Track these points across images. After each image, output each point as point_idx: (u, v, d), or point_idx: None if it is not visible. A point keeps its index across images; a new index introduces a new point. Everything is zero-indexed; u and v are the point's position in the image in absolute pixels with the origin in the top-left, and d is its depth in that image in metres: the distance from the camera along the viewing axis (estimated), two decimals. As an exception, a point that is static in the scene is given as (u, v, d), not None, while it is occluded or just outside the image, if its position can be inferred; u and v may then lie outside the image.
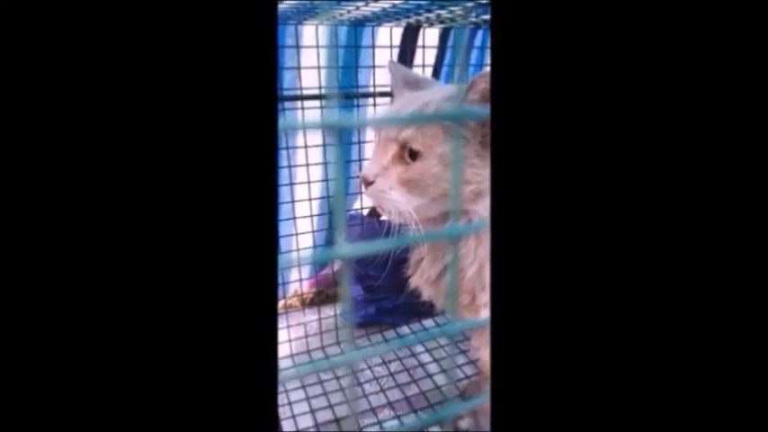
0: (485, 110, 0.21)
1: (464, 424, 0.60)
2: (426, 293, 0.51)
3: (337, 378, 0.69)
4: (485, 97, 0.40)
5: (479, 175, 0.42)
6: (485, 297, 0.45)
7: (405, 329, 0.81)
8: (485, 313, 0.46)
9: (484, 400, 0.24)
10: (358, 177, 0.52)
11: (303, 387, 0.67)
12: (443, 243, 0.47)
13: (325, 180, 0.69)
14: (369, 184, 0.45)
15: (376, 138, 0.47)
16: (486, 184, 0.42)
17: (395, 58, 0.67)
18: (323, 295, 0.86)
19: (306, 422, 0.62)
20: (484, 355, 0.53)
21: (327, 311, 0.82)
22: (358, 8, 0.48)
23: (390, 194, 0.44)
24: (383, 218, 0.81)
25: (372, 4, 0.47)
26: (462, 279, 0.46)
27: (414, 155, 0.43)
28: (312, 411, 0.63)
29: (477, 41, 0.73)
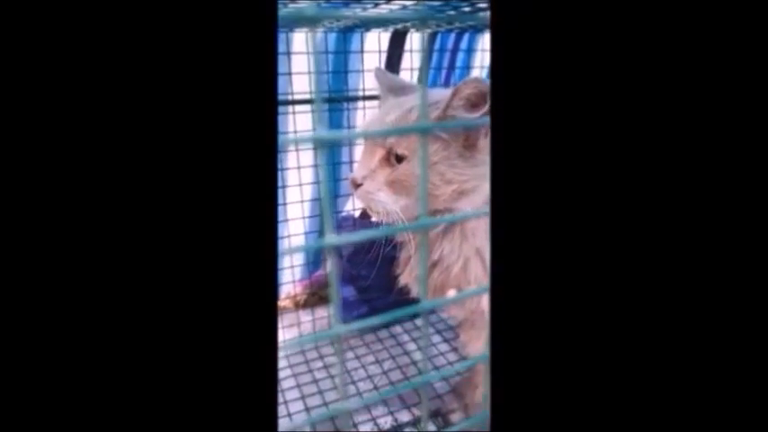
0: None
1: (455, 418, 0.61)
2: (415, 291, 0.53)
3: (332, 377, 0.70)
4: (469, 103, 0.42)
5: (462, 174, 0.43)
6: (470, 292, 0.46)
7: (397, 329, 0.82)
8: (469, 306, 0.48)
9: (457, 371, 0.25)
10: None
11: (298, 386, 0.68)
12: (431, 241, 0.48)
13: (317, 182, 0.70)
14: (357, 186, 0.46)
15: (364, 141, 0.49)
16: (468, 184, 0.43)
17: (383, 62, 0.69)
18: (316, 297, 0.87)
19: (301, 417, 0.63)
20: (473, 349, 0.54)
21: (321, 312, 0.83)
22: (359, 11, 0.49)
23: (378, 195, 0.45)
24: (374, 219, 0.82)
25: (372, 10, 0.48)
26: (448, 275, 0.47)
27: (399, 158, 0.44)
28: (307, 409, 0.64)
29: (464, 45, 0.75)
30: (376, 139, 0.45)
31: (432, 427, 0.61)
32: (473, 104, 0.41)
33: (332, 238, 0.19)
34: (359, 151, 0.65)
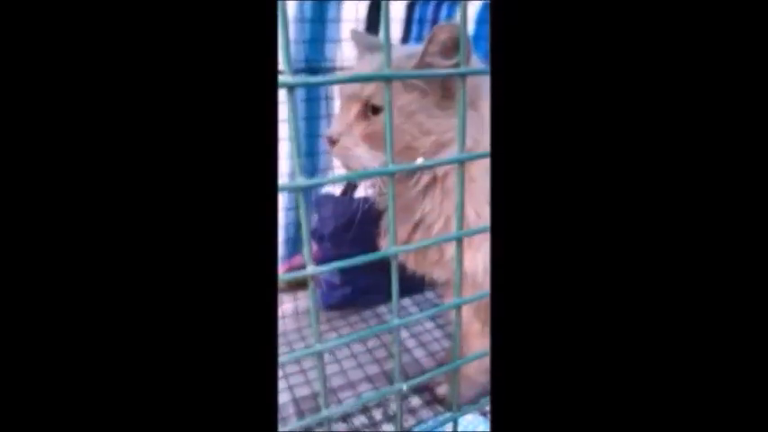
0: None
1: (441, 390, 0.60)
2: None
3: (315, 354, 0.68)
4: (445, 49, 0.40)
5: (441, 125, 0.42)
6: (452, 251, 0.45)
7: (382, 309, 0.81)
8: (451, 266, 0.46)
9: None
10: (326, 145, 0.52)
11: (281, 365, 0.66)
12: (412, 201, 0.47)
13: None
14: (334, 142, 0.44)
15: (340, 98, 0.47)
16: (447, 135, 0.42)
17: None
18: (297, 279, 0.85)
19: (284, 397, 0.61)
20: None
21: (302, 294, 0.81)
22: None
23: (355, 151, 0.44)
24: (356, 195, 0.81)
25: None
26: (430, 234, 0.46)
27: (376, 110, 0.43)
28: (290, 387, 0.63)
29: (442, 15, 0.74)
30: (352, 92, 0.44)
31: (418, 400, 0.60)
32: (448, 50, 0.40)
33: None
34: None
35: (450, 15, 0.74)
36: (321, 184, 0.22)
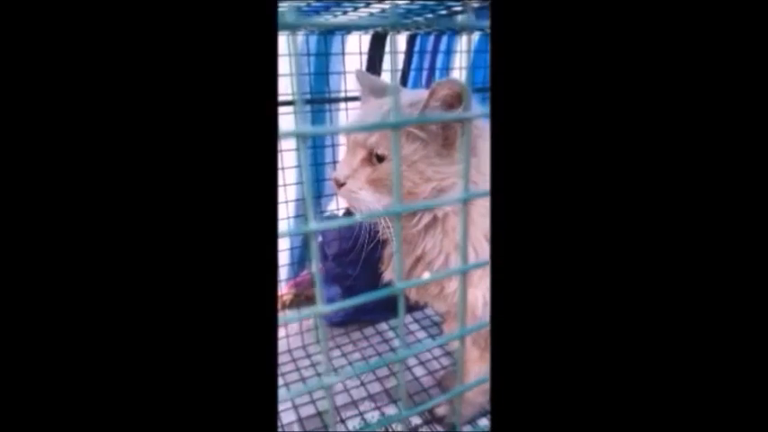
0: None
1: (440, 410, 0.62)
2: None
3: (318, 375, 0.71)
4: (445, 103, 0.43)
5: (440, 172, 0.45)
6: (452, 286, 0.48)
7: (383, 326, 0.84)
8: (452, 299, 0.49)
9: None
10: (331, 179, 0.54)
11: (286, 384, 0.69)
12: (413, 237, 0.50)
13: (301, 183, 0.71)
14: (340, 185, 0.47)
15: (346, 143, 0.50)
16: (446, 181, 0.45)
17: (364, 63, 0.70)
18: (302, 297, 0.88)
19: (289, 417, 0.64)
20: (456, 342, 0.56)
21: (307, 311, 0.84)
22: (340, 15, 0.51)
23: (360, 194, 0.47)
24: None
25: (352, 13, 0.50)
26: (431, 270, 0.49)
27: (380, 158, 0.46)
28: (295, 407, 0.65)
29: (443, 46, 0.77)
30: (357, 140, 0.47)
31: (418, 419, 0.63)
32: (449, 104, 0.43)
33: (314, 225, 0.18)
34: (342, 153, 0.66)
35: (449, 47, 0.77)
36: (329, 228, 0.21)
